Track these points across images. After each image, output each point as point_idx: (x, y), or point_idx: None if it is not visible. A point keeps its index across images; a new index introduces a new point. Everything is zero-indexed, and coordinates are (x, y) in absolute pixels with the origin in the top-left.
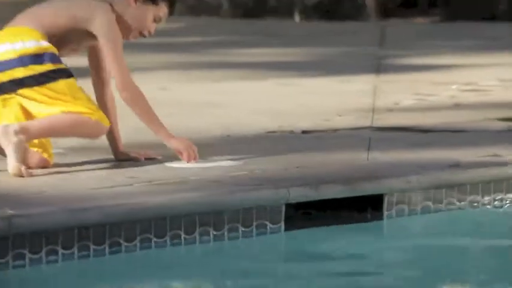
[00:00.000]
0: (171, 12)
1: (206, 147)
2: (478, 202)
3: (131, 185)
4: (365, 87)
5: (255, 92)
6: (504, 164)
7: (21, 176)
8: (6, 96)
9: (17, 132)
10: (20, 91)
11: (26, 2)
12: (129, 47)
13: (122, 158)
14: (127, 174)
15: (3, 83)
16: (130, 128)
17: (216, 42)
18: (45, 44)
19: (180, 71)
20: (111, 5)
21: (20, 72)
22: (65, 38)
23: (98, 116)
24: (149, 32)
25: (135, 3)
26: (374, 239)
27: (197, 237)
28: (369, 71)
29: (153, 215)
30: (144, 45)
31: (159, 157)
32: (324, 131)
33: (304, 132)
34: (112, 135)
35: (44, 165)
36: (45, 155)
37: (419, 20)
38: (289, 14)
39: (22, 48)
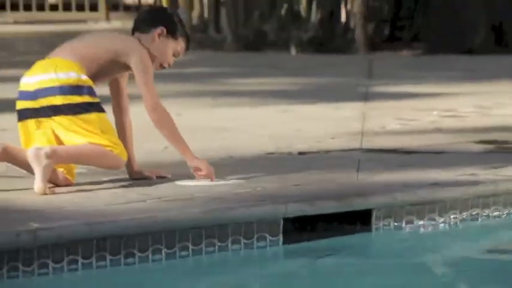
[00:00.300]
0: (187, 48)
1: (213, 167)
2: (456, 217)
3: (144, 201)
4: (355, 113)
5: (257, 117)
6: (480, 182)
7: (46, 194)
8: (42, 119)
9: (47, 156)
10: (55, 117)
11: (52, 36)
12: None
13: (136, 177)
14: (140, 191)
15: (43, 107)
16: (144, 150)
17: (221, 73)
18: (84, 78)
19: (191, 98)
20: (139, 39)
21: (58, 100)
22: (102, 71)
23: (119, 150)
24: (169, 65)
25: (159, 38)
26: (363, 250)
27: (203, 248)
28: (358, 99)
29: (164, 228)
30: (161, 76)
31: (169, 176)
32: (318, 153)
33: (300, 153)
34: (128, 158)
35: (66, 183)
36: (68, 176)
37: (404, 53)
38: (286, 48)
39: (64, 79)
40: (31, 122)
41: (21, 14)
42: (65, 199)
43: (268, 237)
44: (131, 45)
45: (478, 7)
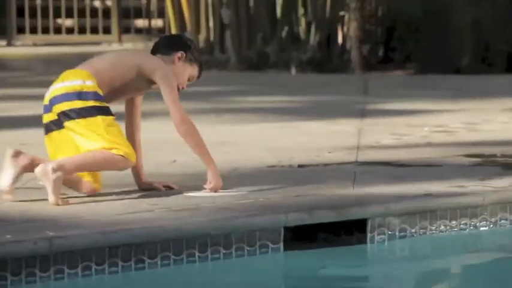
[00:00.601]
0: (199, 75)
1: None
2: (446, 226)
3: (153, 211)
4: (351, 128)
5: (259, 133)
6: (468, 193)
7: (59, 205)
8: (61, 130)
9: (54, 170)
10: (66, 123)
11: (68, 57)
12: (158, 96)
13: (145, 188)
14: (149, 202)
15: (58, 116)
16: (154, 163)
17: (225, 92)
18: (89, 83)
19: (197, 115)
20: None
21: (65, 106)
22: (126, 87)
23: (124, 151)
24: (183, 88)
25: (179, 61)
26: (359, 257)
27: (209, 255)
28: (354, 115)
29: (172, 237)
30: None
31: (176, 187)
32: (317, 165)
33: (300, 166)
34: (136, 170)
35: (93, 192)
36: (95, 185)
37: (397, 73)
38: (287, 68)
39: (70, 86)
40: (55, 134)
41: (40, 37)
42: (79, 209)
43: (270, 245)
44: (156, 62)
45: (465, 30)
